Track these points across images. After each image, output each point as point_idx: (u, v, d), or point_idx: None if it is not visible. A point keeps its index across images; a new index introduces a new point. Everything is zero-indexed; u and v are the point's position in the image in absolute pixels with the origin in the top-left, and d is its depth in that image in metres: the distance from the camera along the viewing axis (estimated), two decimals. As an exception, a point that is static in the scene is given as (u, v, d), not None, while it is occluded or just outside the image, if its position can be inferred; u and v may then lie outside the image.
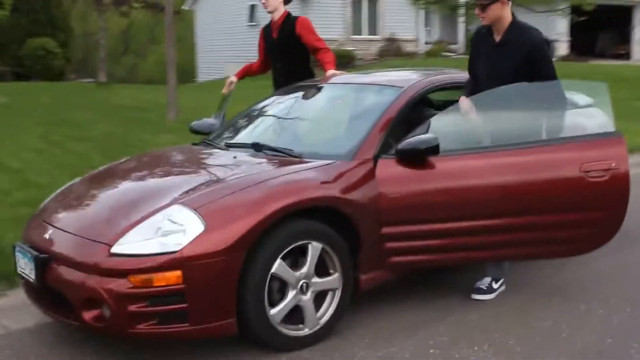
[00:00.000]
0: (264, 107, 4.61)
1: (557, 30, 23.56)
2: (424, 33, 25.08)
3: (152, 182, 3.68)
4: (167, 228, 3.07)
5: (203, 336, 3.10)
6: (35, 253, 3.25)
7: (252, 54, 6.31)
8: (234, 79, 5.51)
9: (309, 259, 3.29)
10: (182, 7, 28.28)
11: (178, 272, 2.96)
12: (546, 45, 3.79)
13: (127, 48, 41.96)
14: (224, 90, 5.47)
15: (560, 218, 3.65)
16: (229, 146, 4.11)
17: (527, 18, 18.52)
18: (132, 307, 2.96)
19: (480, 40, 3.98)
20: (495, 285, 3.93)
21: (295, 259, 3.30)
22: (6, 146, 8.16)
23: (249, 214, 3.11)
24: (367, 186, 3.51)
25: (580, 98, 5.24)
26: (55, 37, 19.90)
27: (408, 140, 3.57)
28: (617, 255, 4.58)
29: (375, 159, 3.61)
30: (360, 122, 3.89)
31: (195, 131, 4.75)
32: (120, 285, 2.97)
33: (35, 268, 3.22)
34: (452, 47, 24.99)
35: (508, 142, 3.67)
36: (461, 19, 24.45)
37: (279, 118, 4.42)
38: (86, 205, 3.55)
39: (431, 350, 3.28)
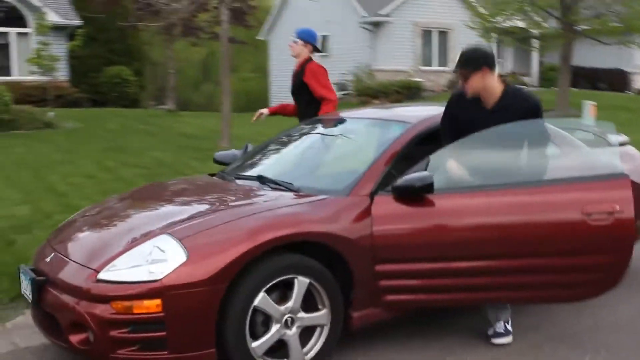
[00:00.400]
0: (277, 140, 4.67)
1: (634, 61, 22.76)
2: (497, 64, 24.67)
3: (151, 211, 3.77)
4: (153, 257, 3.14)
5: (183, 365, 3.14)
6: (32, 275, 3.40)
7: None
8: (265, 111, 5.64)
9: (294, 293, 3.29)
10: (257, 37, 29.01)
11: (158, 301, 3.03)
12: (541, 110, 3.74)
13: (207, 76, 43.22)
14: (253, 120, 5.63)
15: (561, 261, 3.50)
16: (238, 178, 4.18)
17: (597, 49, 18.10)
18: (114, 333, 3.05)
19: (464, 104, 3.82)
20: (509, 327, 3.80)
21: (284, 292, 3.30)
22: (61, 171, 8.57)
23: (234, 246, 3.15)
24: (362, 223, 3.48)
25: (614, 137, 5.07)
26: (130, 66, 20.87)
27: (404, 177, 3.53)
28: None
29: (372, 195, 3.58)
30: (361, 157, 3.88)
31: (219, 162, 4.85)
32: (103, 310, 3.06)
33: (32, 290, 3.37)
34: (525, 78, 24.51)
35: (507, 181, 3.57)
36: (535, 51, 24.02)
37: (288, 151, 4.48)
38: (86, 231, 3.68)
39: (417, 394, 3.22)
